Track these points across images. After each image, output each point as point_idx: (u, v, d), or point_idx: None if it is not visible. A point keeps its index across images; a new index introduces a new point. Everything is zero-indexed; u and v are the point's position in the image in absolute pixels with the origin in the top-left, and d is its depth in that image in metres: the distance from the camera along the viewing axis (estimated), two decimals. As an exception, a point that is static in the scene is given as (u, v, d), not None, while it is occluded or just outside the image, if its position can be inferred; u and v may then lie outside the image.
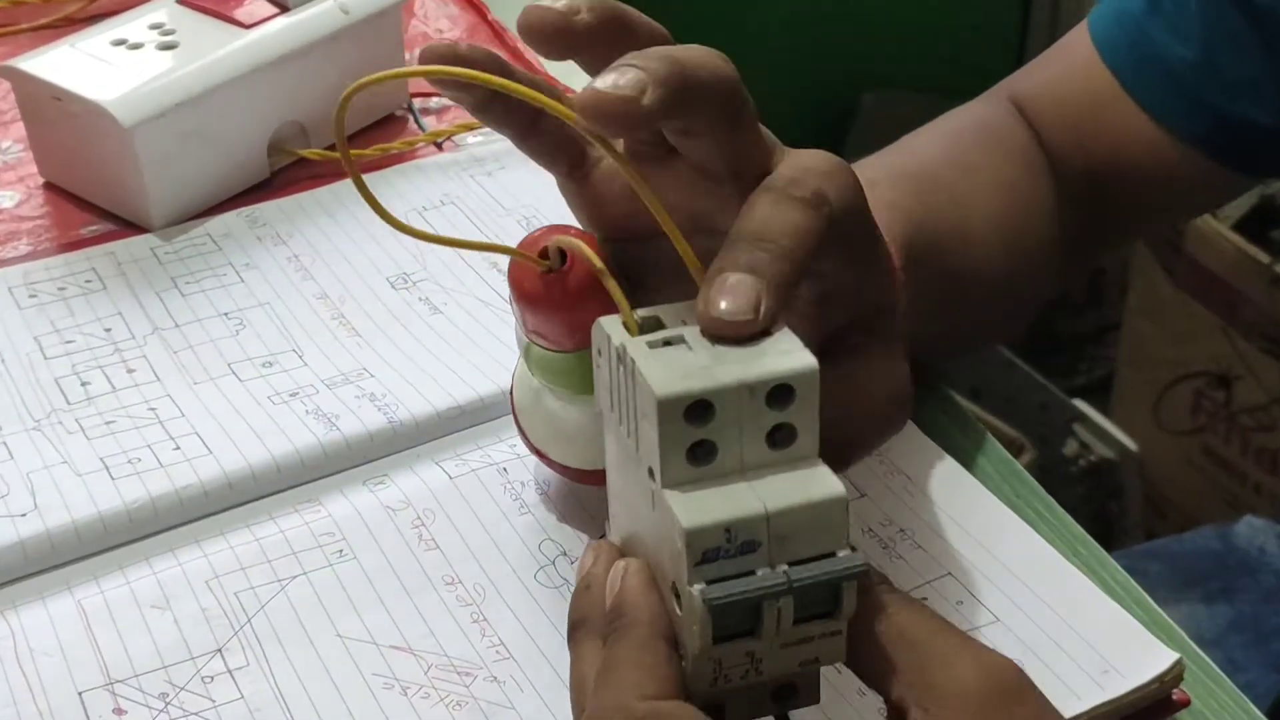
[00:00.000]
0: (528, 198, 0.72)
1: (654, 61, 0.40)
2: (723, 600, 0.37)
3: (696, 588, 0.37)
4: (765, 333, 0.39)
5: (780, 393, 0.38)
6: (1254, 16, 0.62)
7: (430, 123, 0.79)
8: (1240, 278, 1.37)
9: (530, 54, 0.79)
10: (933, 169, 0.62)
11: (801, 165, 0.43)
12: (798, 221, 0.41)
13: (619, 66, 0.40)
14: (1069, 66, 0.68)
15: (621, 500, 0.42)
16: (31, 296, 0.67)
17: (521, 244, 0.50)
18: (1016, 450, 1.40)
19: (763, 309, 0.39)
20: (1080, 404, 1.45)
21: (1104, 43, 0.66)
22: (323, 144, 0.75)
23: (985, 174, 0.64)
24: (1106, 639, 0.49)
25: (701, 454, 0.38)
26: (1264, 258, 1.35)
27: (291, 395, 0.61)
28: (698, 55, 0.42)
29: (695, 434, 0.38)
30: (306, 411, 0.60)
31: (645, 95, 0.39)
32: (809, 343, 0.39)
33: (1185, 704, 0.48)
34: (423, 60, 0.45)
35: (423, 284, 0.67)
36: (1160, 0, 0.65)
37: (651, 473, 0.38)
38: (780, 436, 0.38)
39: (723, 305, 0.39)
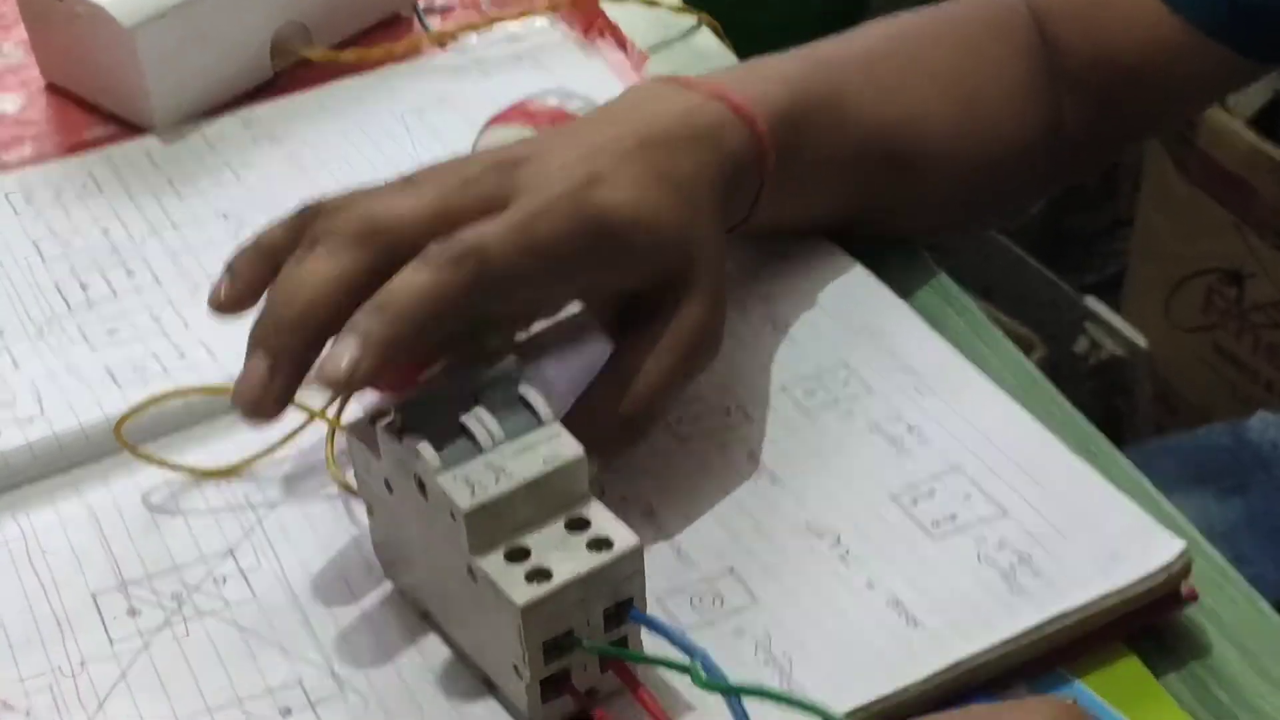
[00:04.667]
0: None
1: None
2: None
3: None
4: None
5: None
6: None
7: (435, 22, 0.78)
8: (1254, 173, 1.35)
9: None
10: (874, 47, 0.61)
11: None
12: (419, 283, 0.45)
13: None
14: None
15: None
16: (28, 202, 0.67)
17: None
18: (1027, 348, 1.40)
19: (359, 369, 0.44)
20: (1091, 301, 1.44)
21: None
22: (326, 44, 0.74)
23: (942, 54, 0.63)
24: (1113, 529, 0.49)
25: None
26: (1278, 154, 1.34)
27: (296, 298, 0.61)
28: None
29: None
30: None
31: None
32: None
33: (1193, 599, 0.48)
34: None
35: (426, 185, 0.67)
36: None
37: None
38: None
39: (322, 367, 0.45)
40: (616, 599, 0.43)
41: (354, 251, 0.47)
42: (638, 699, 0.42)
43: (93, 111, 0.72)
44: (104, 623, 0.49)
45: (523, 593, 0.42)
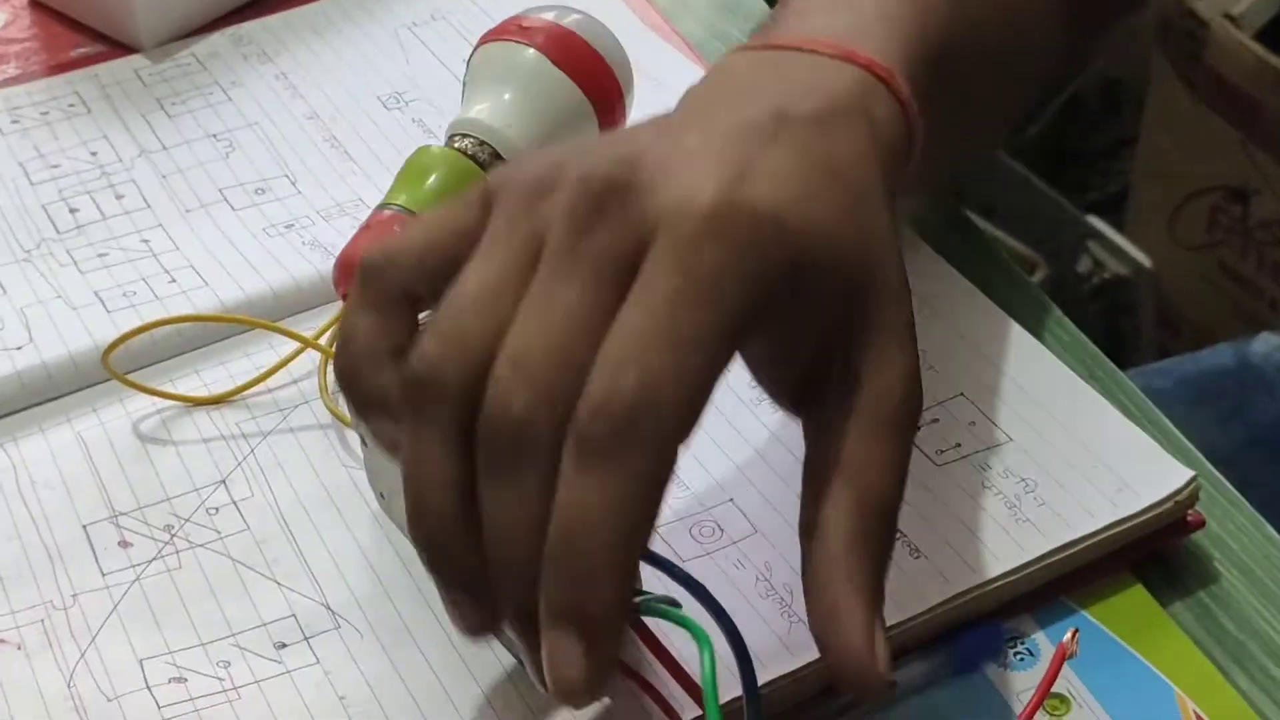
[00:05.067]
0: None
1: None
2: None
3: None
4: None
5: None
6: None
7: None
8: (1260, 88, 1.34)
9: None
10: None
11: None
12: (596, 510, 0.34)
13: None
14: None
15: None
16: (14, 122, 0.65)
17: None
18: (1030, 268, 1.39)
19: (594, 668, 0.35)
20: (1094, 220, 1.43)
21: None
22: (314, -41, 0.73)
23: None
24: (1121, 458, 0.48)
25: None
26: (1286, 68, 1.32)
27: (287, 227, 0.60)
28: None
29: None
30: (303, 243, 0.59)
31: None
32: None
33: (1200, 525, 0.48)
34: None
35: (415, 104, 0.65)
36: None
37: None
38: None
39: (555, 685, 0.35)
40: None
41: (528, 470, 0.35)
42: (638, 635, 0.42)
43: (79, 29, 0.71)
44: (95, 555, 0.48)
45: None
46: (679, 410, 0.34)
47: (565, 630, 0.34)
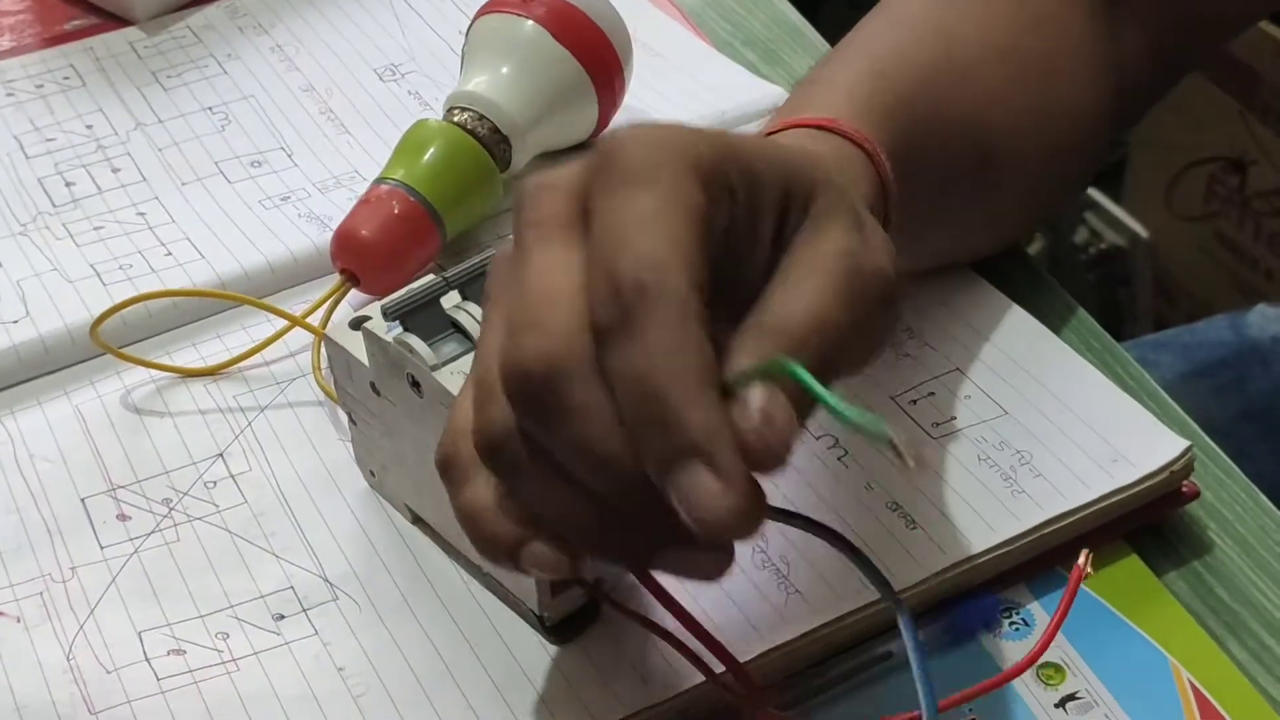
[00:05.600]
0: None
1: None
2: None
3: None
4: None
5: None
6: None
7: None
8: (1259, 59, 1.33)
9: None
10: (929, 41, 0.51)
11: None
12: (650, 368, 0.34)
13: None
14: None
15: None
16: (9, 95, 0.65)
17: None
18: (1027, 239, 1.39)
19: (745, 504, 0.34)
20: (1091, 191, 1.43)
21: None
22: (308, -69, 0.72)
23: (1002, 26, 0.53)
24: (1116, 429, 0.48)
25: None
26: (1283, 37, 1.32)
27: (283, 199, 0.60)
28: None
29: None
30: (299, 215, 0.59)
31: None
32: None
33: (1195, 495, 0.48)
34: None
35: (411, 76, 0.65)
36: None
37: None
38: None
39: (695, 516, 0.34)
40: None
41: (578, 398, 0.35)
42: (642, 581, 0.42)
43: (73, 2, 0.70)
44: (94, 528, 0.48)
45: None
46: (678, 271, 0.34)
47: (686, 470, 0.33)
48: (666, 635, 0.41)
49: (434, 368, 0.43)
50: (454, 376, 0.42)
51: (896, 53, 0.50)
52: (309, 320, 0.53)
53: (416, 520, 0.48)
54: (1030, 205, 0.56)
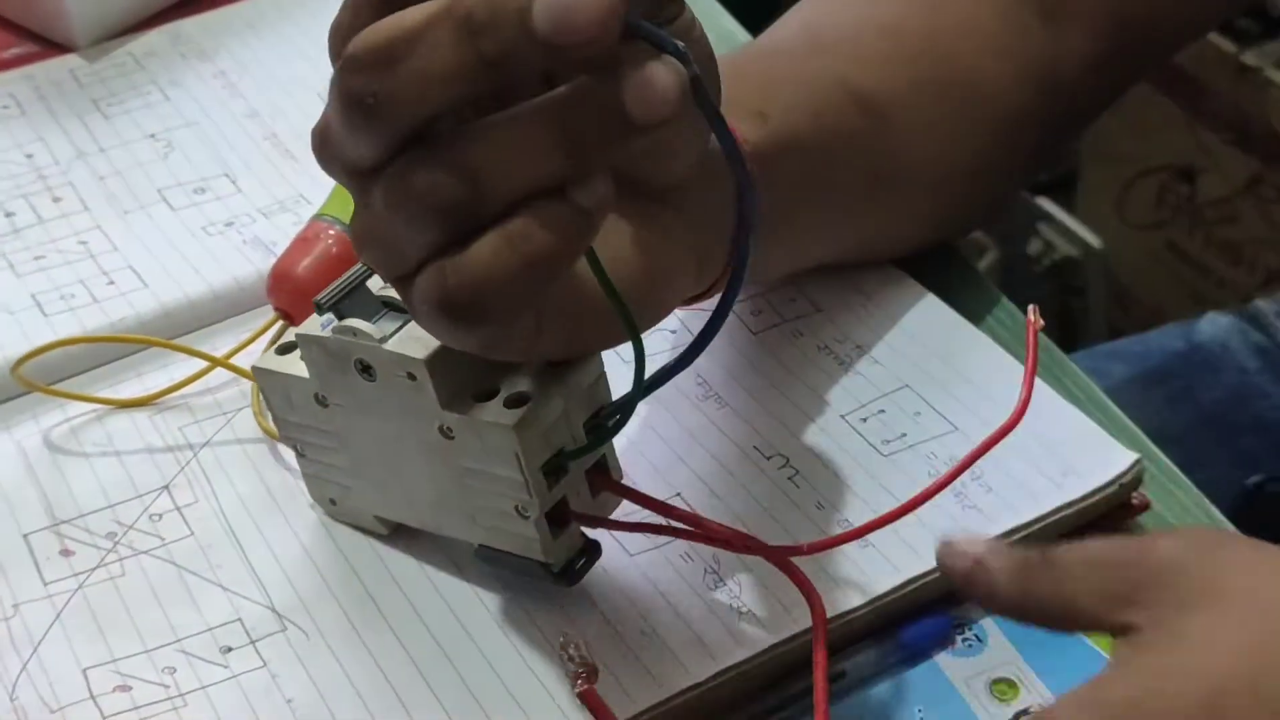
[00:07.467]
0: None
1: None
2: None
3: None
4: None
5: None
6: None
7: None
8: (1205, 68, 1.34)
9: None
10: (810, 35, 0.53)
11: None
12: None
13: None
14: None
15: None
16: (-53, 126, 0.65)
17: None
18: (979, 251, 1.39)
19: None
20: (1043, 202, 1.43)
21: None
22: (251, -45, 0.72)
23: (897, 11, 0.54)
24: (1065, 442, 0.48)
25: None
26: (1230, 47, 1.33)
27: (227, 225, 0.59)
28: None
29: None
30: (244, 241, 0.58)
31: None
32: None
33: (1145, 507, 0.48)
34: None
35: (360, 101, 0.65)
36: None
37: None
38: None
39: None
40: (592, 407, 0.43)
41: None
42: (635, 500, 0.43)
43: (12, 29, 0.70)
44: (37, 564, 0.48)
45: (510, 416, 0.41)
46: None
47: None
48: (660, 530, 0.44)
49: (382, 340, 0.42)
50: (405, 342, 0.42)
51: (758, 46, 0.53)
52: (253, 350, 0.53)
53: (392, 532, 0.47)
54: (949, 200, 0.56)
